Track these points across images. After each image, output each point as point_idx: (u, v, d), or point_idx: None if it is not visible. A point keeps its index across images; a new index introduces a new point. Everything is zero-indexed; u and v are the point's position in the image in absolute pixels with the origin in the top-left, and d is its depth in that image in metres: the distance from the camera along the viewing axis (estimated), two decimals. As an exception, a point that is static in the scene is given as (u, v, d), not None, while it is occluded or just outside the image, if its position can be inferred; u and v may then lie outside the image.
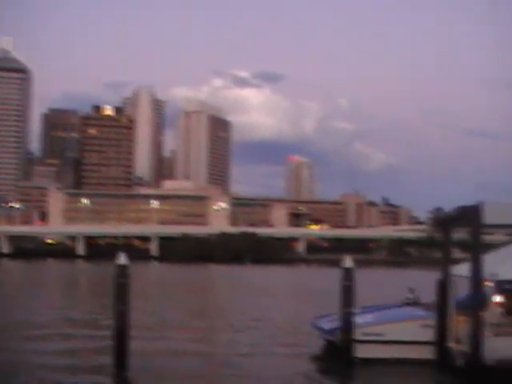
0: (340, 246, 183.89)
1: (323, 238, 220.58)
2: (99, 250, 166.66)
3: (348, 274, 22.72)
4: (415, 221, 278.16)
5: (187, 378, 21.17)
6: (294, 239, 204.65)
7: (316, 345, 25.83)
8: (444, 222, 25.41)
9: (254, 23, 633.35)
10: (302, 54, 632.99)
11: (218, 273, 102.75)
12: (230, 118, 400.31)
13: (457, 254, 24.31)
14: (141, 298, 40.68)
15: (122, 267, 19.91)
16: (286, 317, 37.94)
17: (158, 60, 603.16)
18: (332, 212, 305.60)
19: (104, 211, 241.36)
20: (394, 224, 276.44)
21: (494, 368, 19.22)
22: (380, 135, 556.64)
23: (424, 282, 27.14)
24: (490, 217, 20.01)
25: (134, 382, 19.95)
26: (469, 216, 20.60)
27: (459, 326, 21.80)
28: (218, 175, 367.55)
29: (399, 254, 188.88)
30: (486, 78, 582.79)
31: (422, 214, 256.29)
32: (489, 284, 20.11)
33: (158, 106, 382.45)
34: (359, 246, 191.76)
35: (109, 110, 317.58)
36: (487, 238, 21.93)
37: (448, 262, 23.67)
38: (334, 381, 21.27)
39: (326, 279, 41.14)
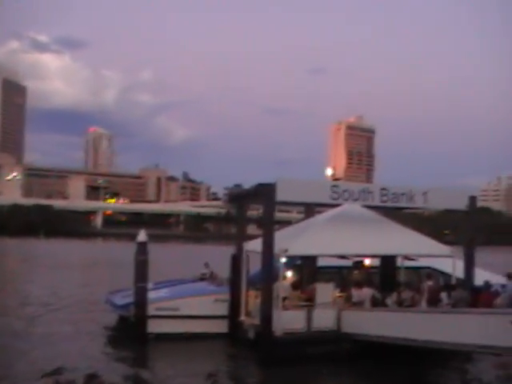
0: (139, 220, 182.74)
1: (122, 212, 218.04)
2: None
3: (142, 248, 22.35)
4: (214, 197, 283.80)
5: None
6: (91, 213, 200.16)
7: (109, 321, 25.25)
8: (239, 198, 25.80)
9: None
10: (106, 22, 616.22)
11: (9, 246, 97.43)
12: (27, 83, 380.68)
13: (253, 230, 24.84)
14: None
15: None
16: (79, 292, 36.78)
17: None
18: (131, 186, 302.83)
19: None
20: (194, 200, 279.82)
21: (282, 339, 19.87)
22: (183, 110, 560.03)
23: (220, 257, 27.47)
24: (282, 194, 20.53)
25: None
26: (262, 193, 20.99)
27: (251, 300, 22.33)
28: (11, 143, 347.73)
29: (197, 229, 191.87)
30: (283, 57, 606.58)
31: (222, 190, 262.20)
32: (280, 259, 20.69)
33: None
34: (158, 221, 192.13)
35: None
36: (283, 216, 22.56)
37: (242, 237, 24.10)
38: (125, 358, 20.77)
39: (122, 254, 40.30)
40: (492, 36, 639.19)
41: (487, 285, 20.68)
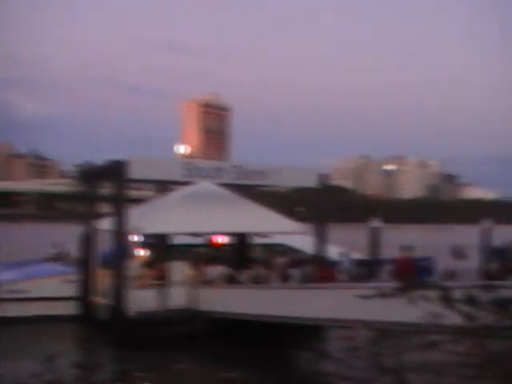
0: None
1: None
2: None
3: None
4: (64, 174, 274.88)
5: None
6: None
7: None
8: (90, 175, 25.02)
9: None
10: None
11: None
12: None
13: (106, 208, 24.14)
14: None
15: None
16: None
17: None
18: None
19: None
20: (43, 177, 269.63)
21: (135, 319, 19.55)
22: (32, 84, 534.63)
23: (71, 236, 26.50)
24: (134, 171, 20.10)
25: None
26: (114, 170, 20.46)
27: (104, 279, 21.77)
28: None
29: (47, 208, 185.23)
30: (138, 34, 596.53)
31: (72, 167, 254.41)
32: (133, 238, 20.31)
33: None
34: (5, 201, 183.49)
35: None
36: (136, 193, 22.13)
37: (92, 216, 23.43)
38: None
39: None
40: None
41: (330, 260, 21.50)
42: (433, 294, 5.95)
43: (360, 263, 23.03)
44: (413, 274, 17.55)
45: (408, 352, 6.06)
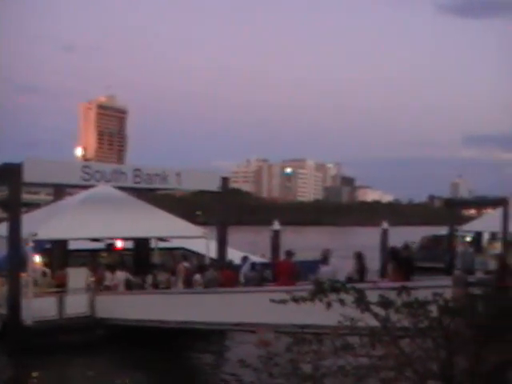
0: None
1: None
2: None
3: None
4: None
5: None
6: None
7: None
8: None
9: None
10: None
11: None
12: None
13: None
14: None
15: None
16: None
17: None
18: None
19: None
20: None
21: (32, 328, 18.76)
22: None
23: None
24: (30, 175, 19.31)
25: None
26: (7, 173, 19.58)
27: (-2, 288, 20.76)
28: None
29: None
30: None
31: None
32: (28, 244, 19.45)
33: None
34: None
35: None
36: (31, 197, 21.27)
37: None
38: None
39: None
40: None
41: (232, 264, 21.47)
42: (348, 296, 5.90)
43: (258, 266, 23.06)
44: (294, 278, 17.99)
45: (325, 357, 5.98)
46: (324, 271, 18.08)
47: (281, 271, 18.38)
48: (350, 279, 17.27)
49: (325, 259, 18.68)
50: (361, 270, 18.32)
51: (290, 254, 19.09)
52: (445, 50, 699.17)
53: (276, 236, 30.28)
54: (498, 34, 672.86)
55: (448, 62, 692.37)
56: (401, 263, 17.53)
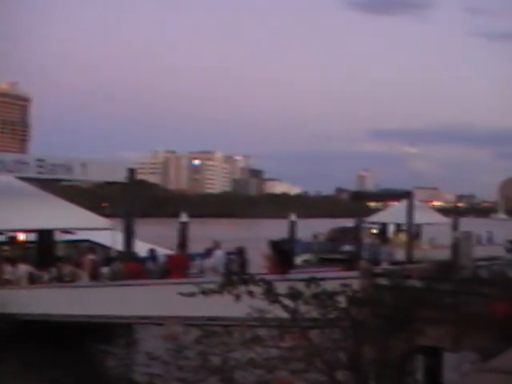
0: None
1: None
2: None
3: None
4: None
5: None
6: None
7: None
8: None
9: None
10: None
11: None
12: None
13: None
14: None
15: None
16: None
17: None
18: None
19: None
20: None
21: None
22: None
23: None
24: None
25: None
26: None
27: None
28: None
29: None
30: None
31: None
32: None
33: None
34: None
35: None
36: None
37: None
38: None
39: None
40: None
41: (139, 256, 21.25)
42: (257, 288, 5.86)
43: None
44: (186, 271, 18.10)
45: (234, 349, 5.93)
46: (206, 264, 18.39)
47: (174, 264, 18.42)
48: (230, 272, 17.64)
49: (208, 252, 18.98)
50: (242, 264, 18.66)
51: (182, 246, 19.19)
52: (352, 45, 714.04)
53: (184, 228, 30.09)
54: (403, 30, 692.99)
55: (354, 57, 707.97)
56: (280, 256, 17.89)
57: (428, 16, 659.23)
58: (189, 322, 10.95)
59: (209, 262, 18.68)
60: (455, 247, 29.14)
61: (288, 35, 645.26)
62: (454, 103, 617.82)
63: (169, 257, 20.02)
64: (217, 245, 19.97)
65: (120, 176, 23.47)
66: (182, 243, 19.41)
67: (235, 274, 16.61)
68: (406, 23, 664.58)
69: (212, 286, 6.02)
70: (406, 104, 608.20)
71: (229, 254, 20.29)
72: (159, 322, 13.82)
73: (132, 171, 24.09)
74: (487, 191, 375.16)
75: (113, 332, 19.55)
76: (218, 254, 19.38)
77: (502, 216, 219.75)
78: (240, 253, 19.50)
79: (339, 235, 46.27)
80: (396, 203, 41.63)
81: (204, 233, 54.48)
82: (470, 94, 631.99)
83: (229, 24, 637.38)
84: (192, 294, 6.16)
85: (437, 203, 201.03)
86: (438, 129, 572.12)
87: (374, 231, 43.24)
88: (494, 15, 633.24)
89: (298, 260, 24.91)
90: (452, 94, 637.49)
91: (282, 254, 18.16)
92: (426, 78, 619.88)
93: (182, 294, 6.31)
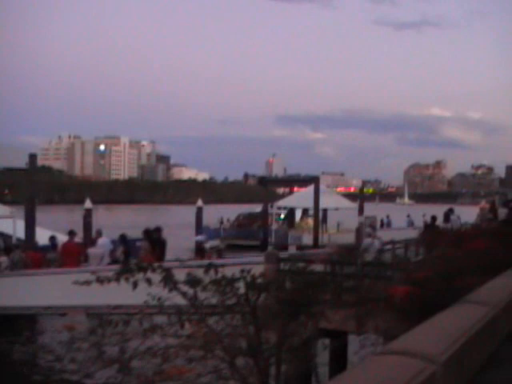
0: None
1: None
2: None
3: None
4: None
5: None
6: None
7: None
8: None
9: None
10: None
11: None
12: None
13: None
14: None
15: None
16: None
17: None
18: None
19: None
20: None
21: None
22: None
23: None
24: None
25: None
26: None
27: None
28: None
29: None
30: None
31: None
32: None
33: None
34: None
35: None
36: None
37: None
38: None
39: None
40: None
41: (39, 245, 20.77)
42: (155, 275, 5.74)
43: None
44: (79, 259, 18.21)
45: (131, 338, 5.78)
46: (92, 253, 18.30)
47: (66, 252, 18.13)
48: (115, 261, 17.64)
49: (95, 241, 18.93)
50: (126, 252, 18.71)
51: (72, 234, 18.92)
52: (262, 32, 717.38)
53: (88, 215, 29.41)
54: (313, 18, 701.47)
55: (263, 44, 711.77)
56: (153, 244, 17.95)
57: (333, 4, 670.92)
58: (91, 312, 10.70)
59: (95, 251, 18.57)
60: (359, 231, 29.91)
61: (197, 21, 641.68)
62: (356, 90, 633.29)
63: (62, 245, 19.55)
64: (99, 233, 20.06)
65: (20, 162, 22.67)
66: (72, 231, 19.05)
67: (118, 262, 16.63)
68: (312, 10, 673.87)
69: (109, 274, 5.85)
70: (310, 90, 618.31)
71: (113, 241, 20.18)
72: (63, 311, 13.46)
73: (33, 157, 23.29)
74: (392, 176, 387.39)
75: (15, 324, 18.90)
76: (102, 241, 19.31)
77: (406, 201, 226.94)
78: (123, 241, 19.47)
79: (247, 221, 46.48)
80: (303, 189, 42.07)
81: (109, 219, 53.65)
82: (372, 80, 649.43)
83: (138, 6, 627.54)
84: (88, 283, 5.97)
85: (341, 189, 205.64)
86: (341, 114, 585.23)
87: (282, 216, 43.59)
88: (397, 5, 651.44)
89: (206, 246, 24.77)
90: (355, 80, 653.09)
91: (156, 242, 18.23)
92: (330, 66, 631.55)
93: (77, 282, 6.11)
